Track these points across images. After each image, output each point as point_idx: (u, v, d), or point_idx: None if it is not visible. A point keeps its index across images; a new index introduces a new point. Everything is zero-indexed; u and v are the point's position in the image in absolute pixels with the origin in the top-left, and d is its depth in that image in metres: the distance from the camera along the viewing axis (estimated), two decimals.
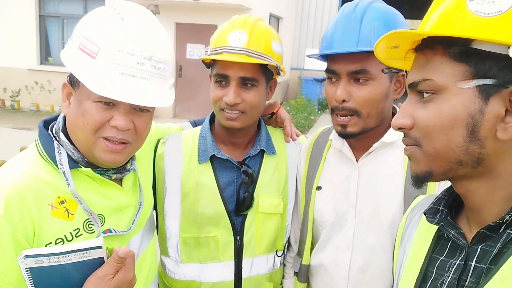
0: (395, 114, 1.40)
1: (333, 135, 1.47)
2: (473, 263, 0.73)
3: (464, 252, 0.75)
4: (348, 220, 1.39)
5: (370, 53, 1.23)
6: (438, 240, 0.84)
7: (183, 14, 10.61)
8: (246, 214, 1.51)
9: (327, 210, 1.44)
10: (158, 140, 1.57)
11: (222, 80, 1.43)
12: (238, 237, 1.50)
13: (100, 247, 1.00)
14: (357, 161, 1.40)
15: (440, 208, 0.83)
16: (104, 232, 1.17)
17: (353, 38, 1.27)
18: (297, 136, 1.67)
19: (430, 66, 0.73)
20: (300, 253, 1.55)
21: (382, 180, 1.35)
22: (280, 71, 1.50)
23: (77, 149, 1.17)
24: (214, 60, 1.45)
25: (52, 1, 11.24)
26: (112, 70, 1.06)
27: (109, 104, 1.11)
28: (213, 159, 1.52)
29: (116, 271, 1.03)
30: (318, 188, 1.48)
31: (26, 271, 0.95)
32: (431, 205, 0.85)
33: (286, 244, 1.65)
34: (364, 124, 1.31)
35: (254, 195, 1.50)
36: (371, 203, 1.36)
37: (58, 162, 1.12)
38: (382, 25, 1.28)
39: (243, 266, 1.51)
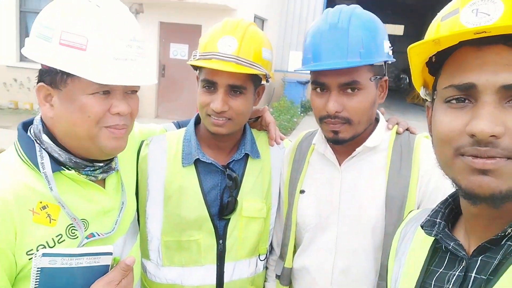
0: (377, 119, 1.43)
1: (316, 139, 1.48)
2: (473, 274, 0.72)
3: (463, 263, 0.75)
4: (331, 223, 1.40)
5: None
6: (435, 253, 0.84)
7: (167, 14, 10.54)
8: (229, 218, 1.50)
9: (310, 214, 1.45)
10: (142, 142, 1.55)
11: (210, 86, 1.41)
12: (220, 241, 1.50)
13: (110, 254, 1.05)
14: (340, 165, 1.41)
15: (437, 220, 0.83)
16: (87, 237, 1.14)
17: (342, 50, 1.27)
18: (281, 139, 1.67)
19: None
20: (282, 256, 1.55)
21: (365, 183, 1.37)
22: (268, 78, 1.50)
23: (64, 150, 1.14)
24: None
25: None
26: (106, 57, 1.06)
27: (106, 92, 1.10)
28: (197, 162, 1.51)
29: (122, 278, 1.07)
30: (302, 191, 1.48)
31: (37, 270, 0.97)
32: (428, 218, 0.85)
33: (269, 248, 1.65)
34: (355, 131, 1.33)
35: (238, 199, 1.50)
36: (353, 206, 1.37)
37: (40, 166, 1.09)
38: (368, 34, 1.29)
39: (225, 270, 1.51)
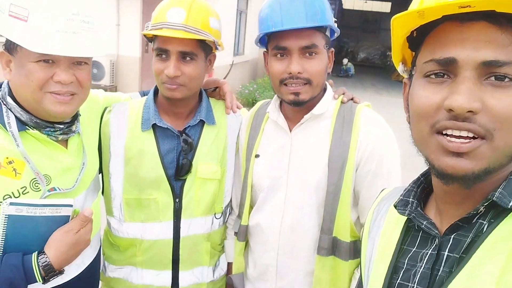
0: (325, 88, 1.56)
1: (270, 107, 1.60)
2: (446, 253, 0.73)
3: (436, 242, 0.76)
4: (281, 184, 1.54)
5: (316, 30, 1.40)
6: (408, 232, 0.85)
7: None
8: (185, 179, 1.63)
9: (264, 176, 1.59)
10: (106, 108, 1.68)
11: (162, 53, 1.52)
12: (177, 200, 1.63)
13: (70, 206, 1.17)
14: (290, 131, 1.55)
15: (410, 199, 0.84)
16: (49, 191, 1.27)
17: (301, 16, 1.39)
18: (239, 108, 1.80)
19: None
20: (240, 215, 1.69)
21: (311, 148, 1.50)
22: (218, 46, 1.61)
23: (25, 111, 1.26)
24: (155, 35, 1.54)
25: None
26: (45, 28, 1.17)
27: (49, 61, 1.22)
28: (155, 128, 1.63)
29: (80, 228, 1.21)
30: (257, 156, 1.62)
31: (5, 217, 1.09)
32: (401, 197, 0.85)
33: (230, 209, 1.79)
34: (313, 93, 1.45)
35: (193, 162, 1.62)
36: (301, 169, 1.51)
37: (7, 125, 1.22)
38: (321, 3, 1.43)
39: (181, 226, 1.65)
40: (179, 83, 1.53)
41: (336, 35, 1.56)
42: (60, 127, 1.33)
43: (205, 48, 1.58)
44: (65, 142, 1.39)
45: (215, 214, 1.71)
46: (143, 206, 1.63)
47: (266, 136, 1.62)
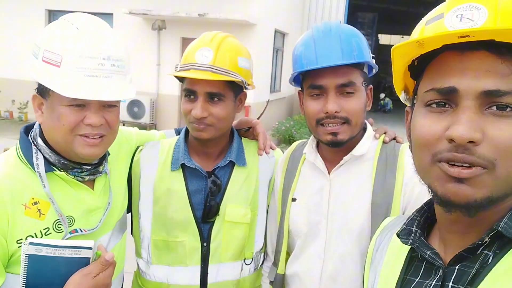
0: (364, 128, 1.47)
1: (307, 148, 1.53)
2: (450, 284, 0.72)
3: (440, 272, 0.74)
4: (320, 230, 1.44)
5: (353, 67, 1.34)
6: (411, 262, 0.84)
7: (189, 29, 10.79)
8: (213, 222, 1.56)
9: (301, 221, 1.49)
10: (138, 147, 1.67)
11: (190, 94, 1.51)
12: (204, 244, 1.57)
13: (90, 248, 1.16)
14: (329, 173, 1.46)
15: (413, 229, 0.82)
16: (70, 232, 1.28)
17: (338, 53, 1.34)
18: (273, 149, 1.73)
19: None
20: (276, 263, 1.59)
21: (352, 191, 1.40)
22: (247, 86, 1.57)
23: (54, 152, 1.28)
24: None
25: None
26: (77, 74, 1.19)
27: (80, 105, 1.24)
28: (184, 167, 1.59)
29: (99, 272, 1.17)
30: (293, 199, 1.53)
31: (26, 256, 1.10)
32: (404, 226, 0.84)
33: (265, 255, 1.70)
34: (352, 132, 1.38)
35: (222, 204, 1.56)
36: (341, 214, 1.40)
37: (35, 166, 1.24)
38: (358, 40, 1.38)
39: (208, 271, 1.57)
40: (207, 123, 1.50)
41: (374, 71, 1.48)
42: (88, 168, 1.34)
43: (234, 88, 1.55)
44: (91, 183, 1.39)
45: (245, 259, 1.63)
46: (170, 249, 1.58)
47: (303, 178, 1.54)
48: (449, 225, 0.77)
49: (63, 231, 1.27)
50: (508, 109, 0.65)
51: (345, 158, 1.41)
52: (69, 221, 1.28)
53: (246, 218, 1.59)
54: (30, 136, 1.32)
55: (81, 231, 1.31)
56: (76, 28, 1.23)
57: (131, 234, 1.67)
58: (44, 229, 1.24)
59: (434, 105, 0.71)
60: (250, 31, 10.46)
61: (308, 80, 1.41)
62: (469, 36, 0.64)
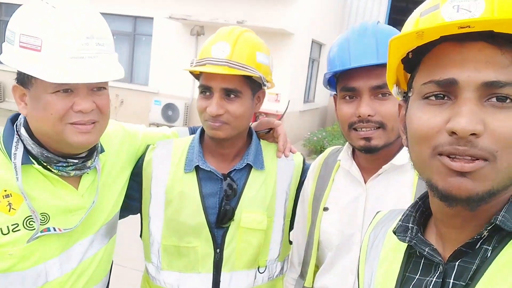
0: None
1: (342, 155, 1.44)
2: (451, 280, 0.71)
3: (440, 269, 0.73)
4: (354, 243, 1.35)
5: None
6: (409, 258, 0.82)
7: None
8: (227, 228, 1.48)
9: (334, 232, 1.40)
10: (148, 146, 1.59)
11: (206, 91, 1.43)
12: (218, 250, 1.49)
13: None
14: (365, 182, 1.36)
15: (410, 225, 0.82)
16: (42, 231, 1.19)
17: (372, 52, 1.26)
18: (293, 152, 1.64)
19: None
20: (303, 275, 1.50)
21: (390, 203, 1.30)
22: (265, 82, 1.48)
23: (38, 144, 1.20)
24: (201, 71, 1.45)
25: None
26: (60, 56, 1.09)
27: (68, 91, 1.14)
28: (198, 169, 1.51)
29: None
30: (325, 209, 1.44)
31: None
32: (400, 223, 0.83)
33: (285, 264, 1.61)
34: (387, 138, 1.29)
35: (237, 209, 1.48)
36: None
37: (12, 156, 1.16)
38: None
39: (221, 279, 1.49)
40: (223, 121, 1.42)
41: None
42: (74, 162, 1.25)
43: (252, 85, 1.46)
44: (77, 179, 1.30)
45: (258, 267, 1.54)
46: (182, 255, 1.50)
47: (337, 187, 1.45)
48: (447, 219, 0.76)
49: (34, 229, 1.18)
50: (508, 100, 0.64)
51: (384, 167, 1.32)
52: (43, 219, 1.19)
53: (263, 225, 1.50)
54: (16, 125, 1.22)
55: (55, 230, 1.21)
56: (52, 7, 1.11)
57: (140, 237, 1.61)
58: (12, 225, 1.15)
59: (432, 98, 0.70)
60: (287, 41, 10.43)
61: (341, 82, 1.34)
62: (469, 27, 0.64)
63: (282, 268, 1.63)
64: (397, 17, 18.11)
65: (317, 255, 1.45)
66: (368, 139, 1.28)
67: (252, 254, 1.51)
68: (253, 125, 1.68)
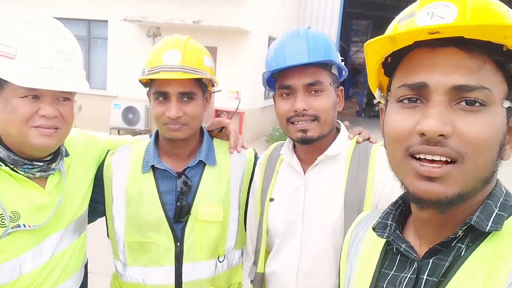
0: (338, 129, 1.51)
1: (284, 149, 1.57)
2: (425, 277, 0.73)
3: (414, 265, 0.76)
4: (297, 229, 1.48)
5: (320, 67, 1.39)
6: (386, 255, 0.85)
7: None
8: (186, 222, 1.59)
9: (279, 221, 1.53)
10: (108, 151, 1.70)
11: (162, 96, 1.54)
12: (178, 244, 1.59)
13: None
14: (304, 173, 1.50)
15: (389, 222, 0.84)
16: (13, 228, 1.30)
17: (304, 53, 1.39)
18: (245, 148, 1.77)
19: (484, 73, 0.67)
20: (256, 262, 1.62)
21: (326, 190, 1.44)
22: (214, 83, 1.64)
23: (5, 148, 1.31)
24: (151, 80, 1.56)
25: None
26: (32, 65, 1.23)
27: (35, 97, 1.27)
28: (155, 169, 1.63)
29: None
30: (271, 199, 1.57)
31: None
32: (380, 220, 0.86)
33: (243, 253, 1.74)
34: (322, 130, 1.42)
35: (194, 203, 1.60)
36: (316, 213, 1.44)
37: None
38: (324, 42, 1.43)
39: (183, 271, 1.60)
40: (182, 122, 1.53)
41: (344, 73, 1.53)
42: (39, 164, 1.37)
43: (202, 87, 1.61)
44: (44, 180, 1.41)
45: (218, 257, 1.66)
46: (145, 250, 1.60)
47: (281, 179, 1.58)
48: (423, 220, 0.79)
49: (6, 226, 1.30)
50: (477, 104, 0.66)
51: (319, 158, 1.46)
52: (13, 216, 1.30)
53: (219, 217, 1.62)
54: None
55: (25, 226, 1.33)
56: (30, 24, 1.27)
57: (108, 237, 1.70)
58: None
59: (406, 101, 0.73)
60: (245, 38, 10.54)
61: (278, 81, 1.47)
62: (438, 33, 0.66)
63: (240, 256, 1.76)
64: (351, 10, 18.50)
65: (266, 242, 1.58)
66: (304, 131, 1.41)
67: (211, 245, 1.62)
68: (206, 125, 1.80)
